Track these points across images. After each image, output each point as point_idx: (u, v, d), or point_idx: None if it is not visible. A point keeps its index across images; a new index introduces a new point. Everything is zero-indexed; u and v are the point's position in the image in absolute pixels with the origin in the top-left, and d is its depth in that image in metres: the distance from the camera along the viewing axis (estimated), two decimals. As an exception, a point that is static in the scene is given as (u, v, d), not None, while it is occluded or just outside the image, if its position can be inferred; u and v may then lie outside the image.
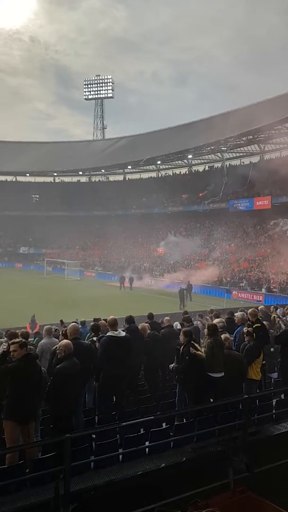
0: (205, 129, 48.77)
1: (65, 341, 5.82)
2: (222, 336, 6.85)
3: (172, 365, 6.95)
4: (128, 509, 4.52)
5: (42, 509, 4.24)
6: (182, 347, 6.55)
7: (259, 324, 7.17)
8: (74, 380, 5.37)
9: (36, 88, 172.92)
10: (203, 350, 6.65)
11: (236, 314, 9.08)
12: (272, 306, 11.82)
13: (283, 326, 9.34)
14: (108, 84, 77.14)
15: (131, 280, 36.92)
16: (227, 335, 7.10)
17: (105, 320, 10.21)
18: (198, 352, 6.39)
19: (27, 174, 65.28)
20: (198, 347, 6.68)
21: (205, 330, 6.98)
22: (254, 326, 7.17)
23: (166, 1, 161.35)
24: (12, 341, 5.38)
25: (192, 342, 6.56)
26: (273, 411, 6.67)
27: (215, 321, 8.34)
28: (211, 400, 6.49)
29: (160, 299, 30.60)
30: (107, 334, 6.46)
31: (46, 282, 39.89)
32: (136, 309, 19.03)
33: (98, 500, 4.64)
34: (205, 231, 47.65)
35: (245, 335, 7.25)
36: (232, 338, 7.54)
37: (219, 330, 7.45)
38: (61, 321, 11.71)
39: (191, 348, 6.39)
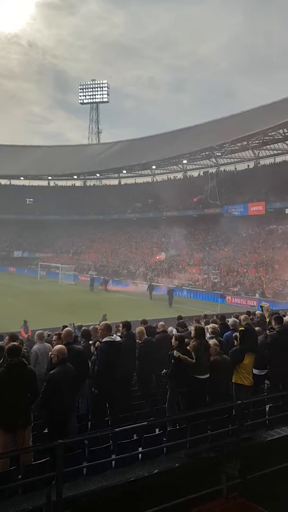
0: (200, 135, 49.06)
1: (58, 346, 5.79)
2: (211, 341, 6.95)
3: (164, 371, 7.02)
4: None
5: (34, 516, 4.21)
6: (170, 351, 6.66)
7: (243, 328, 7.22)
8: (67, 386, 5.34)
9: (33, 92, 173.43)
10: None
11: (228, 319, 9.14)
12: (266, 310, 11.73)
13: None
14: (104, 88, 77.42)
15: (106, 282, 38.28)
16: (215, 340, 7.17)
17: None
18: (183, 355, 6.45)
19: (22, 178, 65.16)
20: (190, 350, 6.73)
21: (192, 332, 7.05)
22: (239, 330, 7.25)
23: (165, 7, 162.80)
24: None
25: (183, 346, 6.65)
26: (266, 417, 6.68)
27: (211, 326, 8.40)
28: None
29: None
30: (104, 339, 6.43)
31: (39, 286, 39.71)
32: (131, 314, 19.05)
33: (90, 506, 4.61)
34: (199, 236, 47.77)
35: (234, 340, 7.35)
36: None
37: (212, 335, 7.53)
38: (73, 324, 11.78)
39: (175, 351, 6.47)
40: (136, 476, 4.94)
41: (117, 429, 5.41)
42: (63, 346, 5.72)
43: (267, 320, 9.85)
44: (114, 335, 6.72)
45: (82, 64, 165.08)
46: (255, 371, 7.60)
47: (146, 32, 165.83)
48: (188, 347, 6.90)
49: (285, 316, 11.47)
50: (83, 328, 9.37)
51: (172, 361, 6.54)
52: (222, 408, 6.26)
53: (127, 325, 7.92)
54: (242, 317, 7.92)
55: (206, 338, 7.46)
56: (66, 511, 4.28)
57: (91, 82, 78.31)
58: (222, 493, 5.23)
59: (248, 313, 10.06)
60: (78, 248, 57.32)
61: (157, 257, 45.64)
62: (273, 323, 7.99)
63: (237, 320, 8.41)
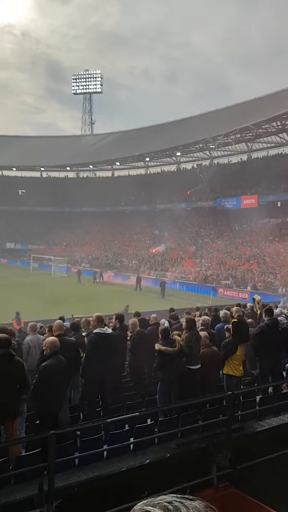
0: (194, 127, 48.89)
1: (51, 338, 5.79)
2: (201, 333, 7.02)
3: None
4: (112, 506, 4.54)
5: (26, 506, 4.24)
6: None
7: (236, 320, 7.27)
8: (59, 378, 5.36)
9: (26, 82, 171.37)
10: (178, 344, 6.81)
11: (220, 311, 9.20)
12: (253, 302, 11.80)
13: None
14: (97, 79, 76.59)
15: (99, 275, 39.18)
16: (206, 333, 7.23)
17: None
18: (163, 347, 6.52)
19: (14, 169, 64.59)
20: (177, 338, 6.78)
21: (183, 324, 7.10)
22: (231, 321, 7.30)
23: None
24: None
25: (167, 339, 6.73)
26: (257, 407, 6.76)
27: (202, 318, 8.46)
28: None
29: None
30: (95, 331, 6.46)
31: (32, 278, 39.55)
32: (123, 306, 19.08)
33: (82, 496, 4.65)
34: (192, 229, 47.82)
35: (225, 332, 7.40)
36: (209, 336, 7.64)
37: (202, 327, 7.59)
38: (72, 316, 11.81)
39: (156, 344, 6.54)
40: (128, 466, 4.99)
41: (109, 420, 5.45)
42: (56, 338, 5.72)
43: (258, 312, 9.93)
44: (106, 327, 6.74)
45: (75, 54, 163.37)
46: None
47: (140, 22, 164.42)
48: (176, 337, 6.96)
49: (276, 309, 11.59)
50: (76, 319, 9.38)
51: (156, 354, 6.68)
52: (213, 398, 6.33)
53: (120, 317, 7.95)
54: (233, 309, 7.98)
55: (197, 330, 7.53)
56: (58, 501, 4.31)
57: (84, 72, 77.44)
58: (212, 482, 5.30)
59: (239, 305, 10.12)
60: (71, 240, 57.10)
61: (154, 250, 45.52)
62: (263, 315, 8.05)
63: (228, 312, 8.47)
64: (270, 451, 5.95)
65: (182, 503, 0.74)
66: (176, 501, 0.75)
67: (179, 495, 0.77)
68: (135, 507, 0.75)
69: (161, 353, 6.58)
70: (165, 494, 0.77)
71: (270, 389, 7.53)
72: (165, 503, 0.74)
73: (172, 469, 5.20)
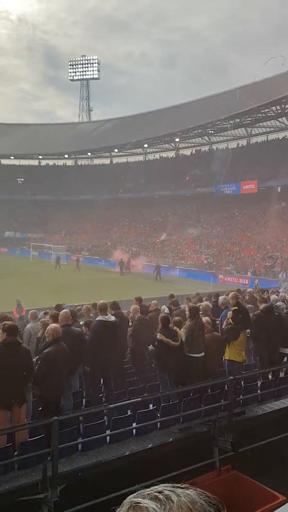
0: (192, 112, 48.38)
1: (53, 325, 5.80)
2: (203, 319, 7.00)
3: (150, 347, 7.11)
4: (114, 490, 4.59)
5: (31, 491, 4.28)
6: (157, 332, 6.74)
7: (236, 307, 7.27)
8: (61, 364, 5.38)
9: (23, 69, 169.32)
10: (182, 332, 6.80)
11: (219, 297, 9.20)
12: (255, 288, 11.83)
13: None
14: (94, 64, 75.48)
15: (77, 260, 39.87)
16: (208, 318, 7.22)
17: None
18: (166, 339, 6.49)
19: (12, 157, 64.09)
20: (178, 331, 6.77)
21: (187, 312, 7.10)
22: (232, 309, 7.29)
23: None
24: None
25: (170, 327, 6.70)
26: (258, 392, 6.80)
27: (202, 304, 8.45)
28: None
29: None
30: (97, 318, 6.47)
31: (32, 266, 39.60)
32: (122, 293, 19.11)
33: (86, 481, 4.70)
34: (192, 216, 47.66)
35: (227, 318, 7.41)
36: (211, 321, 7.64)
37: (201, 312, 7.60)
38: (82, 304, 11.79)
39: (159, 334, 6.53)
40: (131, 451, 5.04)
41: (111, 405, 5.49)
42: (58, 325, 5.73)
43: (257, 298, 9.95)
44: (109, 314, 6.74)
45: (73, 39, 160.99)
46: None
47: (137, 5, 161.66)
48: (182, 328, 6.95)
49: (277, 294, 11.61)
50: (77, 307, 9.37)
51: (156, 343, 6.65)
52: (215, 383, 6.36)
53: (113, 305, 7.97)
54: (230, 295, 7.94)
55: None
56: (62, 486, 4.36)
57: (81, 58, 76.25)
58: (214, 466, 5.36)
59: (238, 291, 10.14)
60: (70, 228, 56.94)
61: (158, 239, 45.13)
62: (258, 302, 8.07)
63: (228, 298, 8.46)
64: (271, 434, 6.01)
65: (173, 491, 0.71)
66: (166, 490, 0.72)
67: (170, 484, 0.74)
68: (124, 501, 0.72)
69: (161, 343, 6.57)
70: (155, 485, 0.74)
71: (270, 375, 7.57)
72: (155, 493, 0.71)
73: (175, 454, 5.26)
